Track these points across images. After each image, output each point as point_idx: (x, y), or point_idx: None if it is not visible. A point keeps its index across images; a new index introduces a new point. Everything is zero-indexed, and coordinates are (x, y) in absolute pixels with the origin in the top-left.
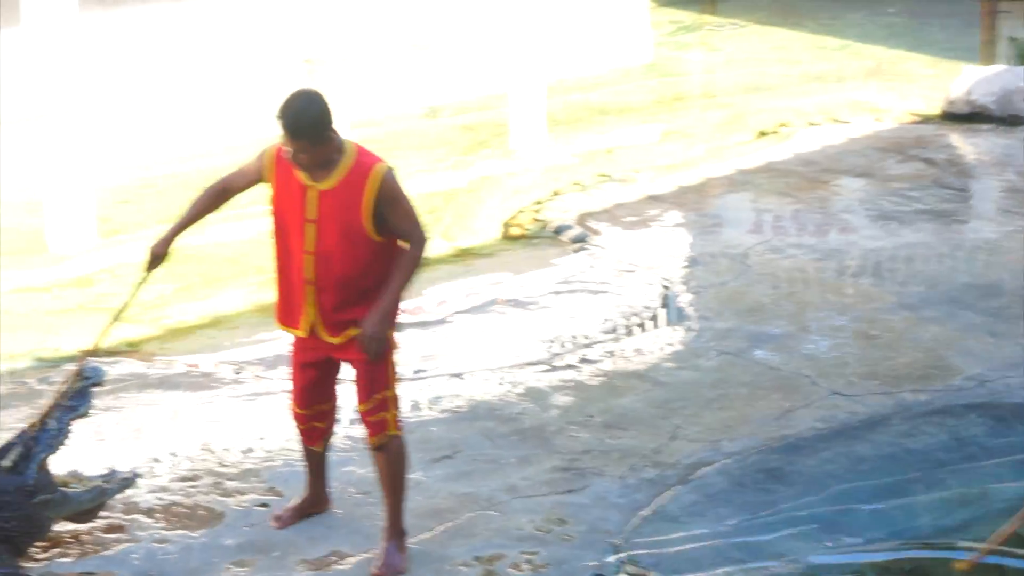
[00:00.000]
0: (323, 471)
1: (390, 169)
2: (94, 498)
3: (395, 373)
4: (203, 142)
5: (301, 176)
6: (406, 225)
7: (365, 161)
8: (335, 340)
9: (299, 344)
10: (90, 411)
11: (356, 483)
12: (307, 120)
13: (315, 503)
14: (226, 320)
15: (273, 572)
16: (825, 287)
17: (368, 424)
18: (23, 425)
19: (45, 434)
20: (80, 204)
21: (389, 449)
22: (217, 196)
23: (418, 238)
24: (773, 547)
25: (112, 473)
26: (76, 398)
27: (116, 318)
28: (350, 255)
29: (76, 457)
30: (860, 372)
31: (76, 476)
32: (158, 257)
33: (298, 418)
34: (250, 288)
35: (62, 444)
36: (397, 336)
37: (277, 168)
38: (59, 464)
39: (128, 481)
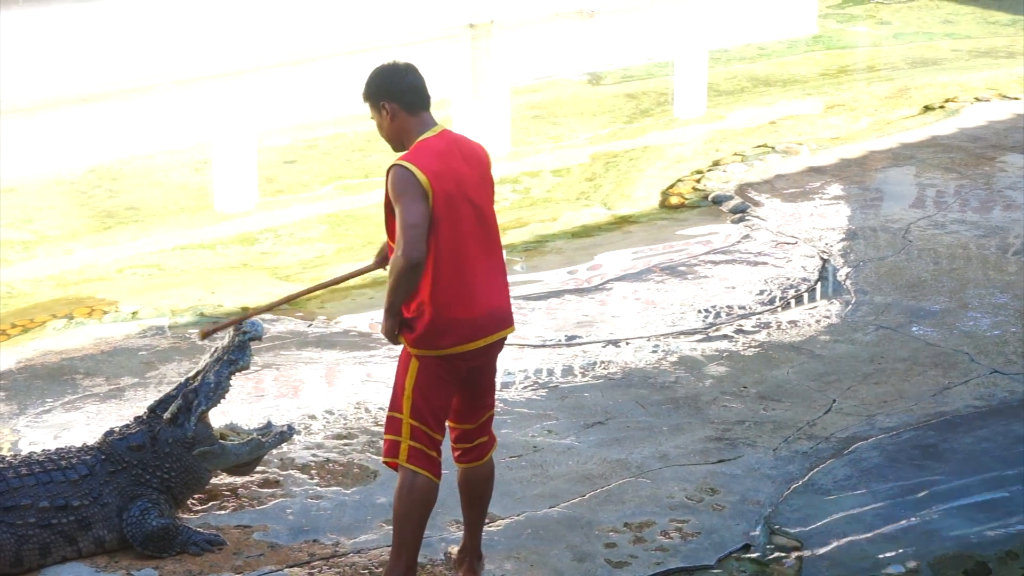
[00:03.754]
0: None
1: (394, 166)
2: (251, 451)
3: (413, 400)
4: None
5: None
6: (397, 233)
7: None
8: None
9: None
10: (249, 366)
11: (508, 447)
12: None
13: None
14: (385, 281)
15: (425, 531)
16: (987, 264)
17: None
18: (184, 378)
19: (205, 387)
20: (245, 164)
21: (399, 476)
22: None
23: (396, 254)
24: (926, 524)
25: (269, 427)
26: (235, 353)
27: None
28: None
29: (235, 411)
30: (1021, 351)
31: (234, 429)
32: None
33: None
34: None
35: (221, 398)
36: (417, 361)
37: None
38: (218, 417)
39: (284, 436)
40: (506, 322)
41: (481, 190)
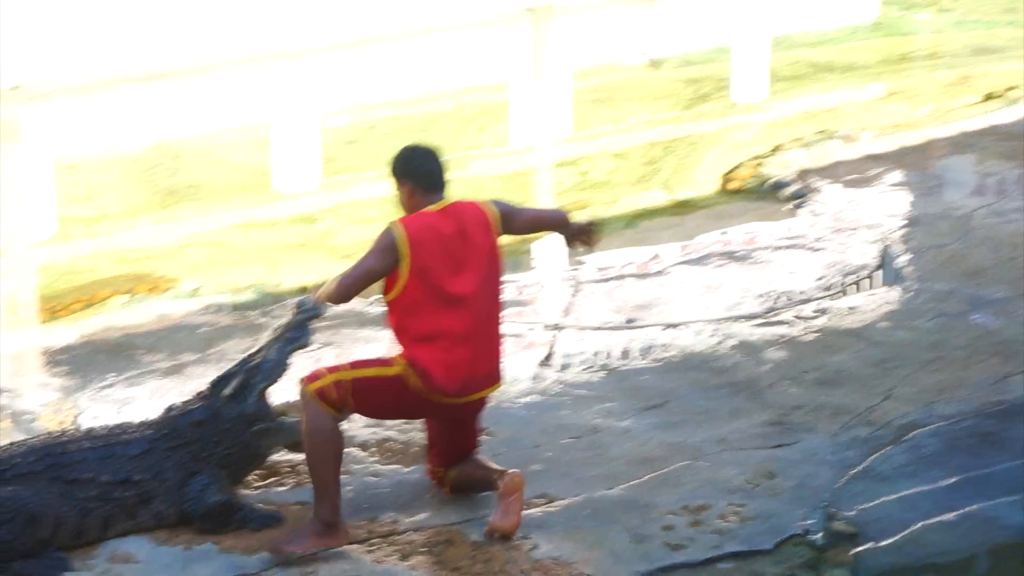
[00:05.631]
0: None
1: (388, 226)
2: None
3: (365, 384)
4: (426, 87)
5: None
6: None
7: None
8: None
9: None
10: (309, 344)
11: (567, 428)
12: None
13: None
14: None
15: (479, 511)
16: None
17: None
18: (244, 356)
19: (265, 365)
20: (306, 144)
21: (304, 415)
22: None
23: (333, 284)
24: (984, 512)
25: None
26: (296, 331)
27: None
28: None
29: (295, 389)
30: None
31: (294, 407)
32: None
33: None
34: None
35: (281, 375)
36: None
37: None
38: (278, 395)
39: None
40: (487, 382)
41: (474, 255)
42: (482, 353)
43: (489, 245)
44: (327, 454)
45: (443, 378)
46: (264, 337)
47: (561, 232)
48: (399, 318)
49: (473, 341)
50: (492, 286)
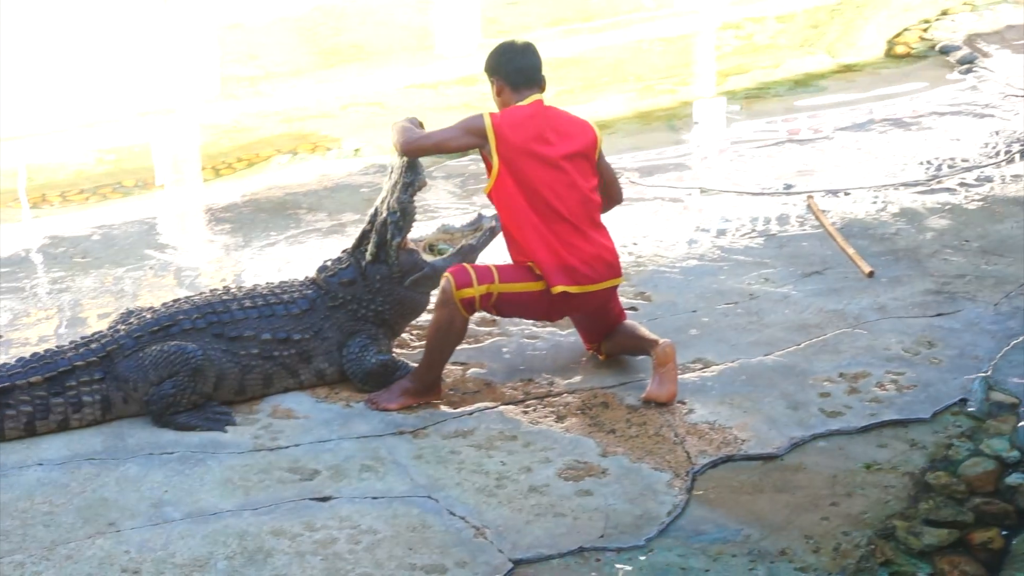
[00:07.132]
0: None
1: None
2: (464, 258)
3: (510, 296)
4: None
5: None
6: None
7: None
8: None
9: None
10: (426, 183)
11: (724, 293)
12: None
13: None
14: (604, 125)
15: (633, 375)
16: None
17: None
18: (371, 210)
19: (392, 218)
20: (468, 5)
21: (442, 311)
22: None
23: (409, 136)
24: None
25: (479, 220)
26: (409, 174)
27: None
28: None
29: (444, 212)
30: None
31: (446, 231)
32: None
33: None
34: (629, 94)
35: (411, 223)
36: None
37: None
38: (424, 229)
39: (495, 231)
40: (607, 274)
41: (567, 157)
42: (595, 246)
43: (585, 148)
44: (450, 345)
45: (560, 273)
46: (384, 186)
47: None
48: (506, 222)
49: (580, 236)
50: (586, 185)
